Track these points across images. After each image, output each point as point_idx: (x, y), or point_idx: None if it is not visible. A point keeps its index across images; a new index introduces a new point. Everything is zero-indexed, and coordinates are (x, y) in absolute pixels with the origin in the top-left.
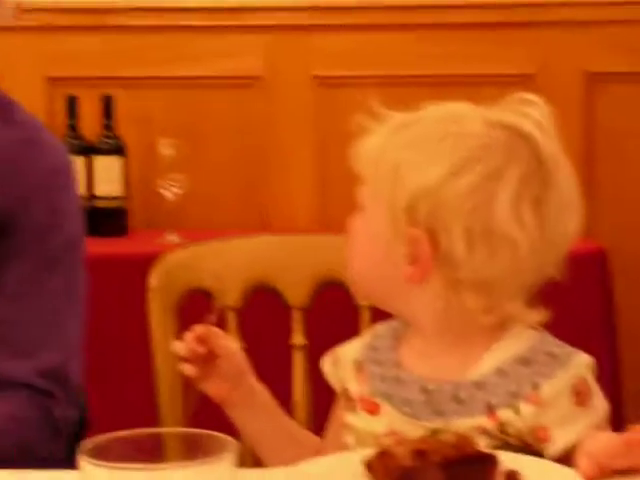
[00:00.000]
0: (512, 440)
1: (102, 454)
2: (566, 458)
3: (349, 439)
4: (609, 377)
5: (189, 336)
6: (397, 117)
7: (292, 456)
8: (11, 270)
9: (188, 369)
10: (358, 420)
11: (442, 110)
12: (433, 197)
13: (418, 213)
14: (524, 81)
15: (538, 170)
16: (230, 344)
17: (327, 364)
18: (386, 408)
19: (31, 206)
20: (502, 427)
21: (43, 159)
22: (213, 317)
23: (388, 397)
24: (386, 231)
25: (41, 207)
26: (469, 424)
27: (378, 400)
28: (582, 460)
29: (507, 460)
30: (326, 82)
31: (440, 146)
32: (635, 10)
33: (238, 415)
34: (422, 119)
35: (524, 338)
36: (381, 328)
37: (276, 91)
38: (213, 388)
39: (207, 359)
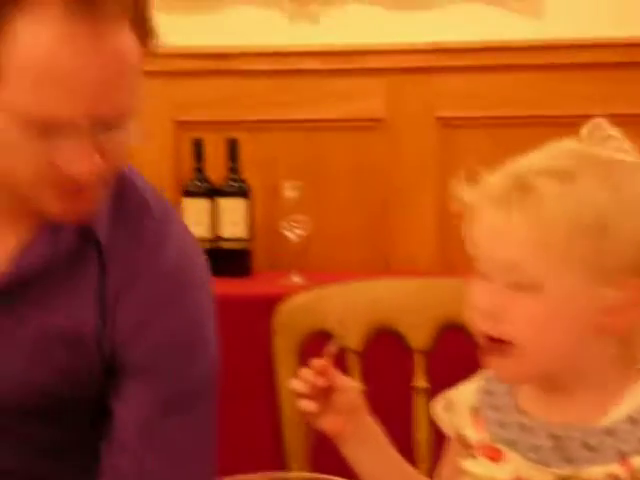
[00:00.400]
0: None
1: None
2: None
3: None
4: None
5: (308, 371)
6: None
7: None
8: None
9: (306, 405)
10: (478, 467)
11: (581, 150)
12: None
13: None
14: None
15: None
16: (347, 379)
17: (439, 409)
18: (510, 455)
19: None
20: (635, 474)
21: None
22: (332, 351)
23: (511, 443)
24: (583, 295)
25: None
26: (601, 472)
27: (500, 447)
28: None
29: None
30: (449, 123)
31: (627, 181)
32: None
33: (350, 450)
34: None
35: None
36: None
37: (398, 133)
38: (328, 422)
39: (324, 394)
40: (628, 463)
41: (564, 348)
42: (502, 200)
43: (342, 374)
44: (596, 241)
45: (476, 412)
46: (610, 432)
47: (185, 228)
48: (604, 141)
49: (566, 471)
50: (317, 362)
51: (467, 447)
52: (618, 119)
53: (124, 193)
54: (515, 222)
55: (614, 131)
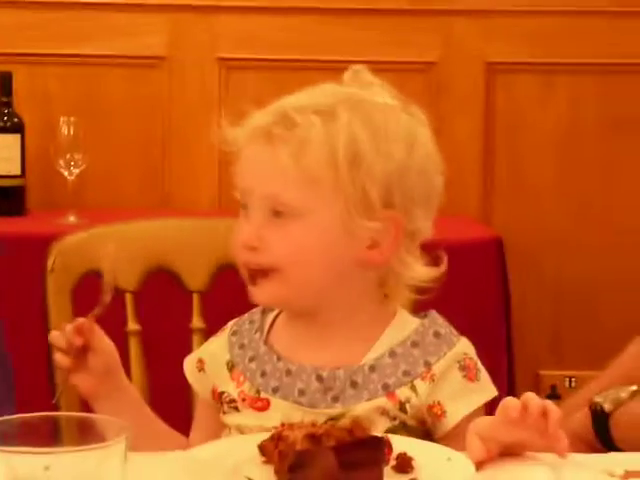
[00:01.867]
0: (411, 421)
1: None
2: (457, 434)
3: None
4: (504, 364)
5: (69, 327)
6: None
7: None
8: None
9: (61, 359)
10: (245, 419)
11: (344, 91)
12: (402, 177)
13: (393, 195)
14: (425, 69)
15: None
16: (106, 341)
17: (190, 372)
18: (276, 402)
19: None
20: (402, 406)
21: None
22: (98, 310)
23: (276, 390)
24: (342, 225)
25: None
26: (369, 406)
27: (265, 395)
28: (473, 441)
29: (399, 443)
30: (230, 65)
31: (387, 126)
32: (535, 0)
33: (100, 407)
34: (336, 104)
35: (411, 322)
36: (237, 324)
37: (179, 72)
38: (81, 380)
39: (81, 352)
40: (393, 395)
41: (326, 278)
42: (265, 135)
43: (103, 335)
44: (352, 174)
45: (233, 366)
46: (374, 368)
47: None
48: (367, 87)
49: (336, 410)
50: (79, 321)
51: (230, 402)
52: (398, 66)
53: None
54: (277, 155)
55: (376, 79)
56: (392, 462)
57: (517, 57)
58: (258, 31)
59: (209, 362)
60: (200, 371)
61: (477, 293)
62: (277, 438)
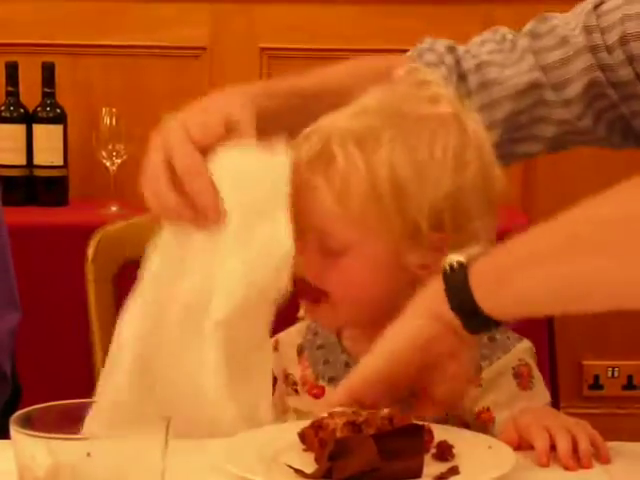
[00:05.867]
0: (453, 421)
1: (36, 424)
2: None
3: None
4: (546, 354)
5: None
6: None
7: None
8: None
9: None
10: (302, 403)
11: (389, 107)
12: (453, 200)
13: (443, 219)
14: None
15: None
16: None
17: None
18: (331, 391)
19: None
20: (449, 411)
21: None
22: None
23: (332, 380)
24: (392, 256)
25: None
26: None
27: (323, 383)
28: (509, 428)
29: (440, 431)
30: (272, 54)
31: (433, 149)
32: None
33: None
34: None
35: None
36: None
37: (221, 62)
38: None
39: None
40: None
41: (378, 304)
42: (310, 167)
43: None
44: (397, 206)
45: (302, 350)
46: None
47: None
48: (419, 86)
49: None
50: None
51: (293, 385)
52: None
53: None
54: (319, 193)
55: (431, 75)
56: (432, 450)
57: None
58: (299, 20)
59: (283, 343)
60: (275, 351)
61: None
62: (317, 426)
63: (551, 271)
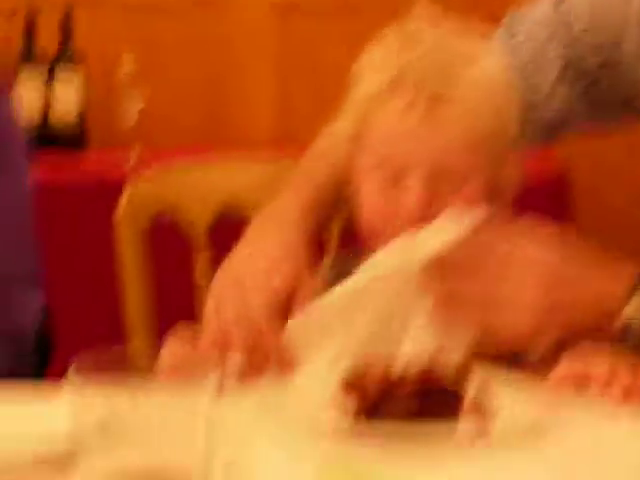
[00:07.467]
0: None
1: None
2: None
3: None
4: None
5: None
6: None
7: None
8: None
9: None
10: None
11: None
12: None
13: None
14: None
15: None
16: None
17: None
18: None
19: None
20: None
21: None
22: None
23: None
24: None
25: None
26: None
27: None
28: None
29: (474, 390)
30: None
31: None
32: None
33: None
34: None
35: None
36: None
37: (237, 8)
38: None
39: None
40: None
41: None
42: (427, 97)
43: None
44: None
45: None
46: None
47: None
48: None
49: None
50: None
51: None
52: None
53: None
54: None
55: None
56: (467, 407)
57: None
58: None
59: None
60: None
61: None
62: (354, 383)
63: None
